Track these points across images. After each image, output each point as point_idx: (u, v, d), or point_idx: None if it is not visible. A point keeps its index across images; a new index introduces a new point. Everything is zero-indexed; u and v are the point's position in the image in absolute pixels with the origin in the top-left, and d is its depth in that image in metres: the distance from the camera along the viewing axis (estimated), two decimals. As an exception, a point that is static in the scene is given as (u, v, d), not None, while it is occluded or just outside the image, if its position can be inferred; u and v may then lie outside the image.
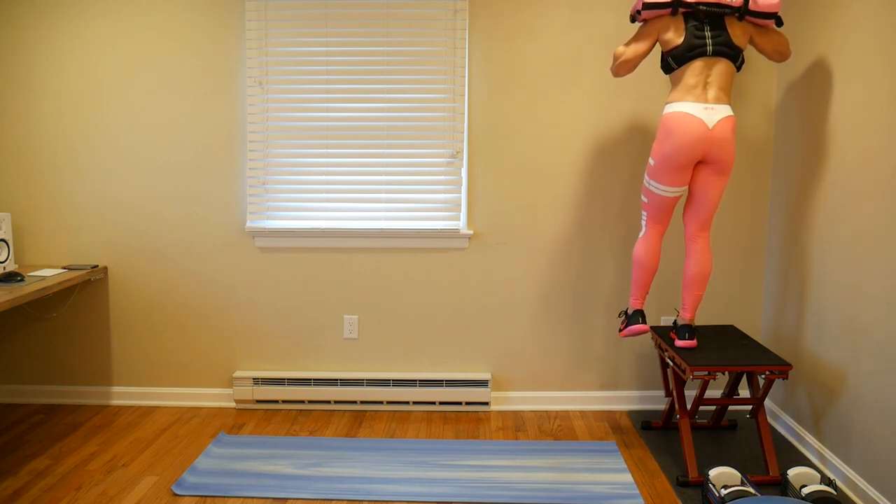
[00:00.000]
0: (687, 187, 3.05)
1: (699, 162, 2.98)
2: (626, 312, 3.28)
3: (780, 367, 2.93)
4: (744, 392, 3.78)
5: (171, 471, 3.05)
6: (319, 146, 3.64)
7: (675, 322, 3.29)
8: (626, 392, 3.78)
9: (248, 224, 3.68)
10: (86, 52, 3.62)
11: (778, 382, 3.55)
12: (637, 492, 2.86)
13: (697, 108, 2.88)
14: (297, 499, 2.82)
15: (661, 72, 2.97)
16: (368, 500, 2.81)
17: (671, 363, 3.19)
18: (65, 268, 3.63)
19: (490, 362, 3.78)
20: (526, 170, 3.65)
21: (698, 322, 3.73)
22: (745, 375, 3.18)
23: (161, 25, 3.59)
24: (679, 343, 3.12)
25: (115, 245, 3.74)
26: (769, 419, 3.62)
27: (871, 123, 2.74)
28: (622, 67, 3.05)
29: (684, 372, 3.01)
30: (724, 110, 2.90)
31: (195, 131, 3.66)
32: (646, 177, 3.06)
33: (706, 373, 2.95)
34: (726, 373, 3.52)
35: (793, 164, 3.39)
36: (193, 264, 3.74)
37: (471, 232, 3.66)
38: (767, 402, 3.67)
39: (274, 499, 2.82)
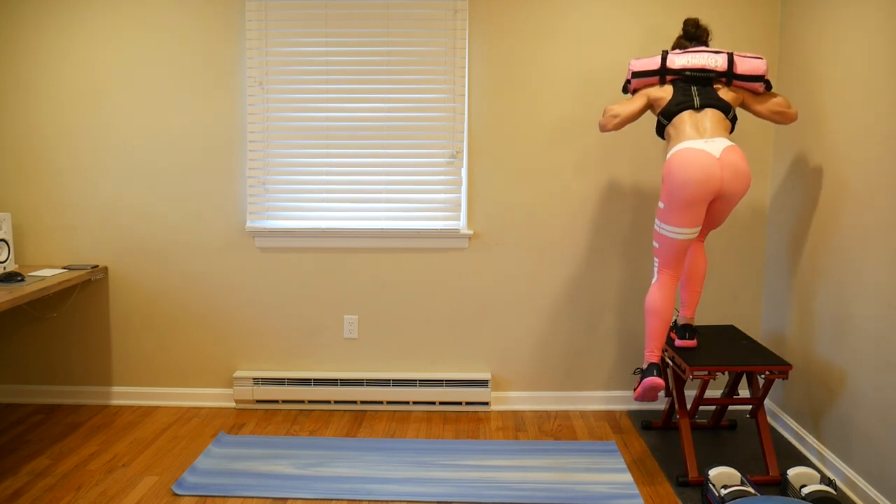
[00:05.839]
0: (700, 227, 2.93)
1: (713, 199, 2.86)
2: (641, 369, 3.03)
3: (779, 367, 2.93)
4: (744, 392, 3.78)
5: (171, 471, 3.05)
6: (319, 146, 3.64)
7: (675, 322, 3.29)
8: (626, 392, 3.78)
9: (248, 224, 3.68)
10: (85, 52, 3.62)
11: (778, 382, 3.55)
12: (637, 492, 2.86)
13: (698, 143, 2.81)
14: (297, 499, 2.82)
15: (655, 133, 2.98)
16: (368, 500, 2.81)
17: (671, 363, 3.19)
18: (65, 268, 3.63)
19: (490, 362, 3.78)
20: (526, 170, 3.65)
21: (698, 322, 3.73)
22: (744, 375, 3.19)
23: (161, 25, 3.59)
24: (679, 343, 3.12)
25: (115, 245, 3.74)
26: (769, 419, 3.62)
27: (872, 124, 2.74)
28: (611, 122, 3.03)
29: (684, 372, 3.02)
30: (725, 141, 2.83)
31: (195, 131, 3.66)
32: (657, 221, 2.95)
33: (706, 373, 2.95)
34: (726, 373, 3.52)
35: (793, 164, 3.39)
36: (193, 264, 3.74)
37: (471, 232, 3.66)
38: (767, 402, 3.67)
39: (274, 499, 2.82)
